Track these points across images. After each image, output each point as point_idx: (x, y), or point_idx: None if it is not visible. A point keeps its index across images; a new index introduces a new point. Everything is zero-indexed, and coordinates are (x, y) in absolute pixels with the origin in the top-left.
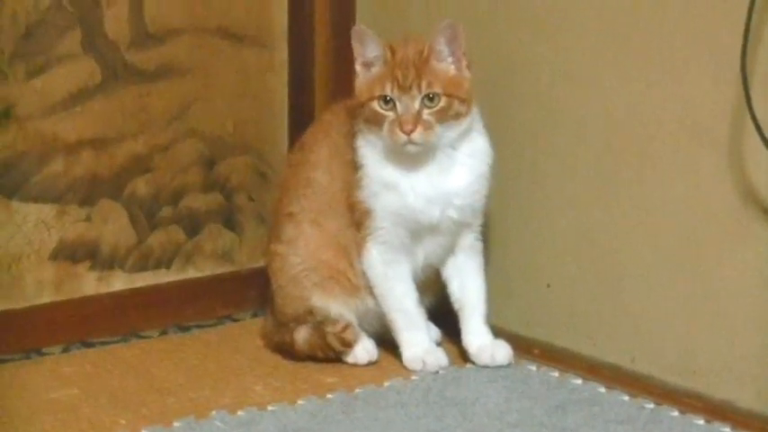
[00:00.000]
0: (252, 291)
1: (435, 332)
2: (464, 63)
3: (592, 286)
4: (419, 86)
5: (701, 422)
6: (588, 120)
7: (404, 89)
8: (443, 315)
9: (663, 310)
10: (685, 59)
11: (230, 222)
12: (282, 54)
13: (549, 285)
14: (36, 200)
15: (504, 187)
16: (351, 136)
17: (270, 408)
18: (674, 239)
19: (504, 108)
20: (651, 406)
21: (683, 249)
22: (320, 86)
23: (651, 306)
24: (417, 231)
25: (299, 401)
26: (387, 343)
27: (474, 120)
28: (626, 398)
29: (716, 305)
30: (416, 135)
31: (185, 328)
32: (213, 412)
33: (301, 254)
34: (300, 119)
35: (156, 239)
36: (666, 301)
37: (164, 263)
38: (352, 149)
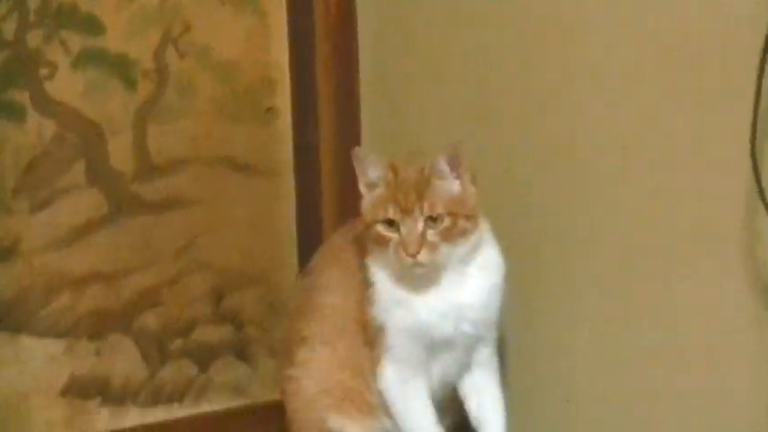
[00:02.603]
0: (266, 425)
1: None
2: (467, 178)
3: (613, 400)
4: (421, 208)
5: None
6: (603, 228)
7: (406, 211)
8: None
9: (686, 422)
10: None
11: (242, 354)
12: (289, 182)
13: (568, 400)
14: (43, 335)
15: (518, 301)
16: (360, 255)
17: None
18: (696, 349)
19: (517, 218)
20: None
21: (706, 359)
22: (328, 213)
23: (673, 418)
24: (431, 347)
25: None
26: None
27: (483, 232)
28: None
29: (743, 416)
30: (422, 257)
31: None
32: None
33: (315, 376)
34: (309, 246)
35: (168, 373)
36: (688, 411)
37: (176, 397)
38: (363, 268)
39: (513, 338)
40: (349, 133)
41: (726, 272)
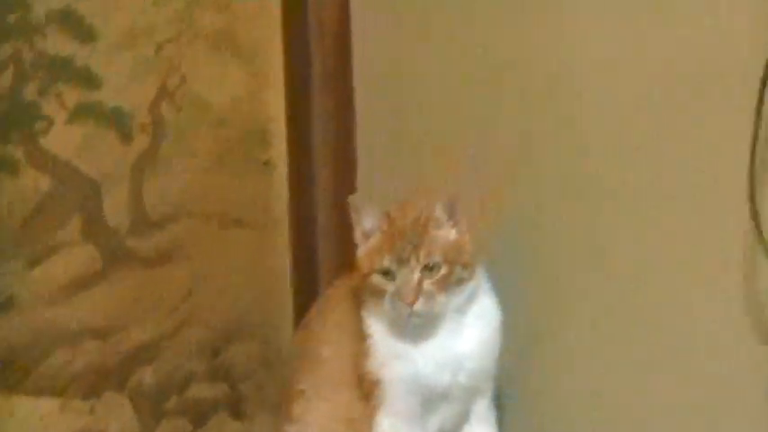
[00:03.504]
0: None
1: None
2: (465, 225)
3: None
4: (417, 257)
5: None
6: (600, 274)
7: (402, 260)
8: None
9: None
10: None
11: (237, 412)
12: (284, 236)
13: None
14: (38, 394)
15: (513, 352)
16: (356, 307)
17: None
18: (705, 401)
19: (511, 259)
20: None
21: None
22: (324, 267)
23: None
24: (429, 399)
25: None
26: None
27: (480, 280)
28: None
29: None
30: (418, 307)
31: None
32: None
33: (311, 431)
34: (305, 300)
35: None
36: None
37: None
38: (358, 320)
39: (511, 389)
40: (346, 184)
41: (726, 301)
